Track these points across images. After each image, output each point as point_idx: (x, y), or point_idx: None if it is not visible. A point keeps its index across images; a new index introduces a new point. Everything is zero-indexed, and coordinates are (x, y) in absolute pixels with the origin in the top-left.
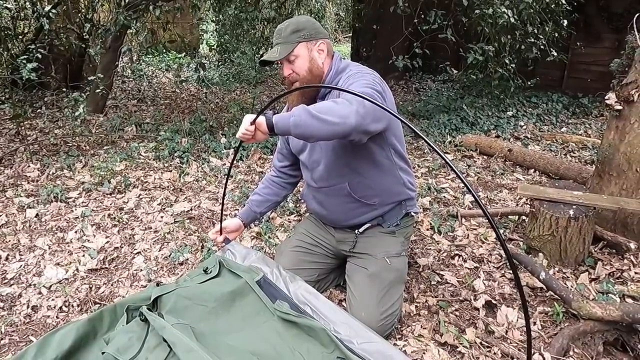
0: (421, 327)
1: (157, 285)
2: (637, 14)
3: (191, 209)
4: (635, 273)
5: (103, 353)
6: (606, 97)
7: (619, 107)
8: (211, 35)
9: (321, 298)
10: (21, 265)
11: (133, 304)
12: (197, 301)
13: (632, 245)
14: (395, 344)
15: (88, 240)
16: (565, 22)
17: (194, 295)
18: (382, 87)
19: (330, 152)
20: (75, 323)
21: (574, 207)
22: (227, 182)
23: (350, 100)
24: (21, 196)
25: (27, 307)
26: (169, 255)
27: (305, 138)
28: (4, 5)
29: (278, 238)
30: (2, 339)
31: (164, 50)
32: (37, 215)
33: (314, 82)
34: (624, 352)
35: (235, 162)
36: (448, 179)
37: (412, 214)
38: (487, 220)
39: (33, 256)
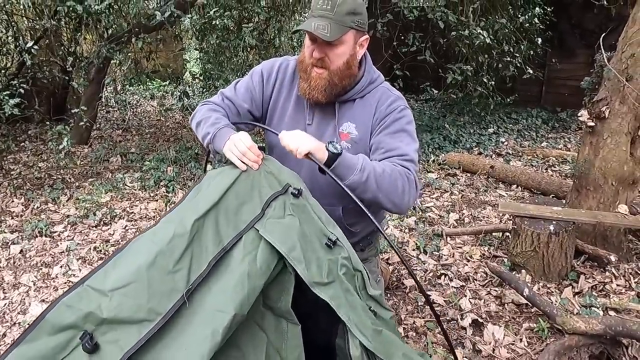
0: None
1: None
2: (603, 34)
3: None
4: (617, 285)
5: None
6: (579, 114)
7: (592, 124)
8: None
9: None
10: (5, 304)
11: None
12: None
13: (613, 258)
14: None
15: (74, 275)
16: (540, 39)
17: None
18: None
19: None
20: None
21: (554, 222)
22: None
23: (408, 179)
24: (5, 232)
25: None
26: None
27: (352, 190)
28: None
29: None
30: None
31: (148, 80)
32: (21, 251)
33: (344, 80)
34: None
35: None
36: (432, 198)
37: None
38: (472, 238)
39: (17, 294)
